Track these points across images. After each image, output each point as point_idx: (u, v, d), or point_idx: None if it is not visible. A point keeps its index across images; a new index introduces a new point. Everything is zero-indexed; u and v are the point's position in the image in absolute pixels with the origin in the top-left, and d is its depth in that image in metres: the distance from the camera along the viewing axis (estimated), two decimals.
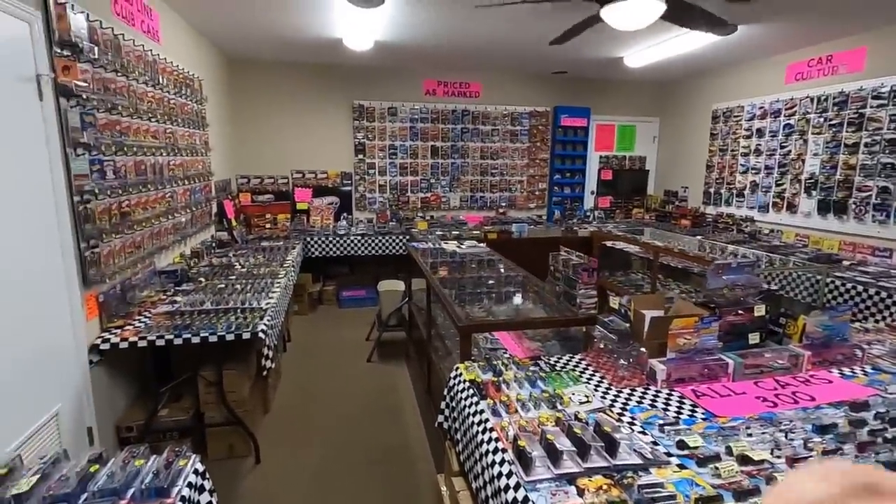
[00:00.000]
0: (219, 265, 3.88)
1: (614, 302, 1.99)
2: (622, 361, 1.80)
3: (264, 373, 2.65)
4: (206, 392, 2.72)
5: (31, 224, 1.99)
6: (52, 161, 2.12)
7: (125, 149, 2.74)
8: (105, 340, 2.39)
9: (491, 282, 3.11)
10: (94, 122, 2.43)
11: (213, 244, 4.52)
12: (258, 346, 2.60)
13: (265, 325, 2.61)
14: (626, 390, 1.76)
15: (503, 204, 6.63)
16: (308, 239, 5.32)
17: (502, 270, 3.27)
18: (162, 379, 2.78)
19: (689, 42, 4.46)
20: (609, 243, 4.75)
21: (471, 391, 1.72)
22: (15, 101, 1.92)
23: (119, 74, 2.75)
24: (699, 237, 5.00)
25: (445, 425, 1.92)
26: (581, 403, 1.63)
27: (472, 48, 5.00)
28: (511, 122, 6.46)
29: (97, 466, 1.32)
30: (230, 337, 2.51)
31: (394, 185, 6.25)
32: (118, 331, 2.50)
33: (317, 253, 5.37)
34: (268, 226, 5.69)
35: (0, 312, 1.81)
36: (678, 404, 1.67)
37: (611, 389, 1.77)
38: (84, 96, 2.30)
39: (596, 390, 1.76)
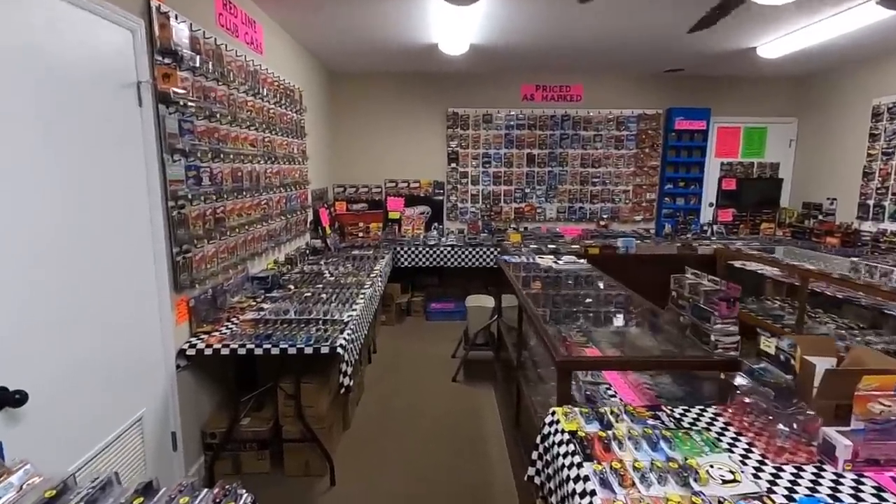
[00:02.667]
0: (309, 273, 3.88)
1: (767, 344, 1.52)
2: (781, 426, 1.34)
3: (342, 390, 2.50)
4: (284, 404, 2.63)
5: (125, 227, 2.01)
6: (149, 166, 2.14)
7: (222, 156, 2.78)
8: (192, 346, 2.39)
9: (592, 304, 2.70)
10: (193, 128, 2.46)
11: (307, 251, 4.59)
12: (337, 361, 2.46)
13: (345, 339, 2.46)
14: (789, 468, 1.29)
15: (605, 216, 6.08)
16: (398, 248, 5.24)
17: (606, 291, 2.84)
18: (245, 386, 2.76)
19: (844, 25, 3.68)
20: (737, 263, 4.05)
21: (571, 447, 1.37)
22: (116, 107, 1.95)
23: (220, 83, 2.80)
24: (854, 258, 4.08)
25: (537, 481, 1.58)
26: (725, 483, 1.21)
27: (574, 48, 4.61)
28: (616, 127, 5.91)
29: (141, 500, 1.19)
30: (309, 350, 2.39)
31: (486, 194, 6.01)
32: (206, 336, 2.49)
33: (406, 263, 5.27)
34: (360, 234, 5.73)
35: (92, 315, 1.82)
36: (874, 498, 1.18)
37: (765, 464, 1.32)
38: (182, 103, 2.33)
39: (744, 463, 1.32)
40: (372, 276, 3.83)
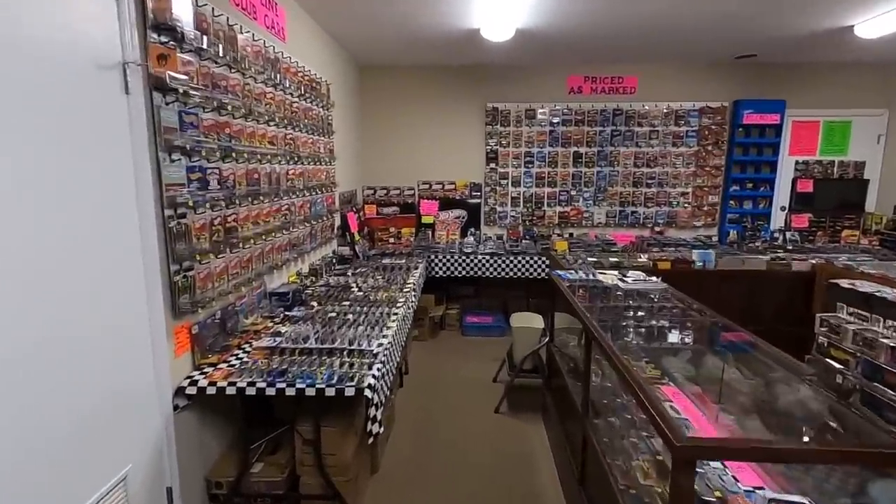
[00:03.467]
0: (335, 286, 3.47)
1: None
2: None
3: (370, 439, 2.06)
4: (302, 451, 2.21)
5: (105, 244, 1.62)
6: (139, 167, 1.75)
7: (234, 155, 2.38)
8: (193, 382, 1.99)
9: (692, 342, 2.17)
10: (197, 122, 2.06)
11: (334, 260, 4.19)
12: (365, 402, 2.02)
13: (374, 376, 2.02)
14: None
15: (660, 221, 5.47)
16: (432, 256, 4.79)
17: (701, 321, 2.31)
18: (259, 424, 2.35)
19: None
20: (844, 282, 3.38)
21: None
22: (92, 94, 1.56)
23: (233, 70, 2.41)
24: None
25: None
26: None
27: (629, 34, 4.06)
28: (674, 122, 5.30)
29: None
30: (330, 392, 1.95)
31: (528, 197, 5.49)
32: (210, 370, 2.09)
33: (440, 272, 4.82)
34: (391, 240, 5.30)
35: (60, 356, 1.42)
36: None
37: None
38: (183, 91, 1.93)
39: None
40: (405, 290, 3.39)
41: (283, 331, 2.50)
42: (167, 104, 1.88)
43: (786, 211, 5.44)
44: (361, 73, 5.34)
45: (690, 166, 5.37)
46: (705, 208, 5.44)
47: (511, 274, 4.80)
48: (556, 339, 3.21)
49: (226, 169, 2.33)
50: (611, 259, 3.82)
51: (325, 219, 3.91)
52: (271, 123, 2.86)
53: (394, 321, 2.69)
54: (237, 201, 2.43)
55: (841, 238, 5.29)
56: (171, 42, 1.90)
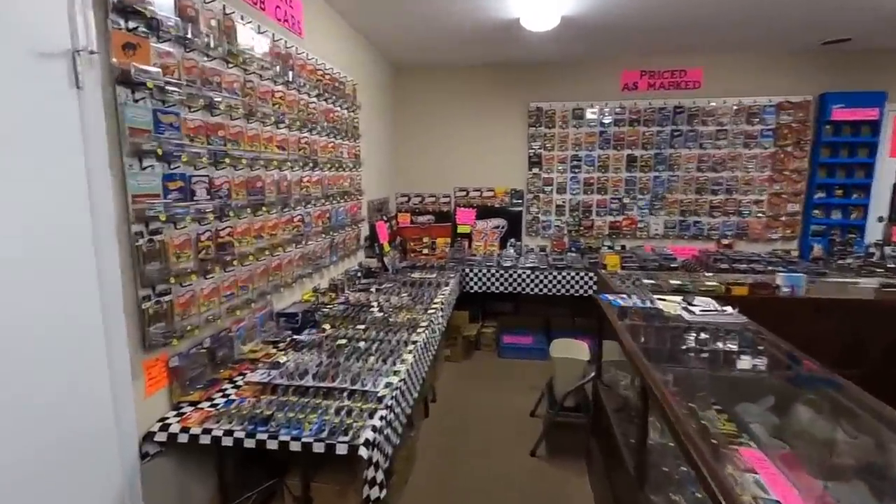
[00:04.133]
0: (355, 304, 3.15)
1: None
2: None
3: None
4: None
5: (47, 267, 1.34)
6: (94, 175, 1.47)
7: (229, 160, 2.10)
8: (165, 427, 1.70)
9: (776, 388, 1.66)
10: (178, 123, 1.78)
11: (359, 273, 3.89)
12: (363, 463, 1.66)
13: (374, 428, 1.65)
14: None
15: (728, 232, 4.81)
16: (467, 270, 4.40)
17: (791, 368, 1.78)
18: (251, 468, 2.04)
19: None
20: None
21: None
22: (29, 87, 1.29)
23: (230, 65, 2.13)
24: None
25: None
26: None
27: (694, 19, 3.51)
28: (746, 120, 4.64)
29: None
30: (319, 447, 1.60)
31: (575, 205, 4.99)
32: (190, 409, 1.80)
33: (476, 287, 4.41)
34: (425, 251, 4.96)
35: None
36: None
37: None
38: (156, 86, 1.65)
39: None
40: (430, 311, 3.01)
41: (283, 360, 2.19)
42: (135, 101, 1.61)
43: (884, 222, 4.64)
44: (394, 72, 5.04)
45: (765, 170, 4.69)
46: (783, 218, 4.73)
47: (554, 291, 4.32)
48: (603, 373, 2.73)
49: (219, 177, 2.05)
50: (672, 281, 3.24)
51: (349, 229, 3.61)
52: (281, 126, 2.57)
53: (410, 352, 2.32)
54: (233, 213, 2.14)
55: None
56: (143, 29, 1.63)
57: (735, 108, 4.64)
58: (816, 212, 4.64)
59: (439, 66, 5.01)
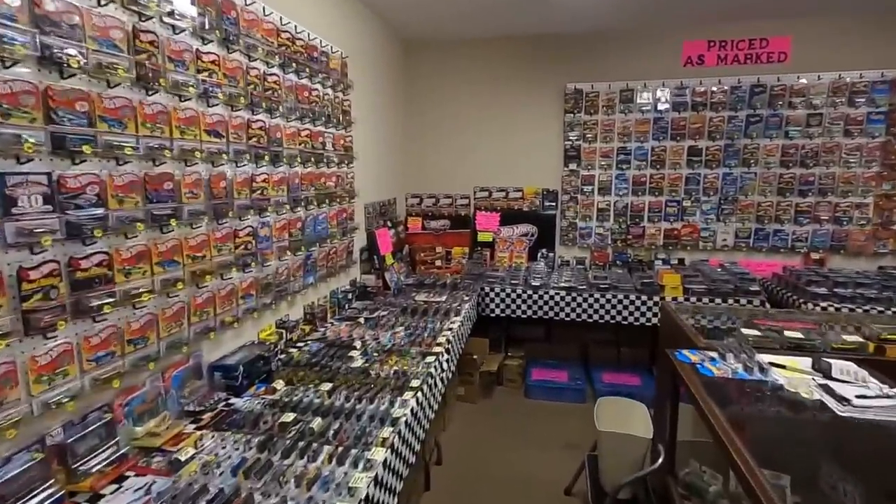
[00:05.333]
0: (332, 342, 2.38)
1: None
2: None
3: None
4: None
5: None
6: None
7: (101, 149, 1.35)
8: None
9: None
10: None
11: (353, 294, 3.12)
12: None
13: None
14: None
15: (819, 244, 3.80)
16: (487, 289, 3.57)
17: None
18: None
19: None
20: None
21: None
22: None
23: (103, 2, 1.38)
24: None
25: None
26: None
27: None
28: (848, 102, 3.63)
29: None
30: None
31: (621, 209, 4.08)
32: None
33: (497, 311, 3.58)
34: (438, 263, 4.15)
35: None
36: None
37: None
38: None
39: None
40: (429, 356, 2.21)
41: (184, 457, 1.43)
42: None
43: None
44: (402, 48, 4.25)
45: (873, 165, 3.66)
46: (895, 227, 3.69)
47: (596, 317, 3.45)
48: (678, 465, 1.86)
49: (75, 174, 1.30)
50: (789, 334, 2.17)
51: (336, 241, 2.85)
52: (213, 102, 1.82)
53: (386, 442, 1.52)
54: (110, 230, 1.39)
55: None
56: None
57: (832, 85, 3.63)
58: None
59: (457, 40, 4.19)
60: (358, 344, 2.35)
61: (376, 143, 3.69)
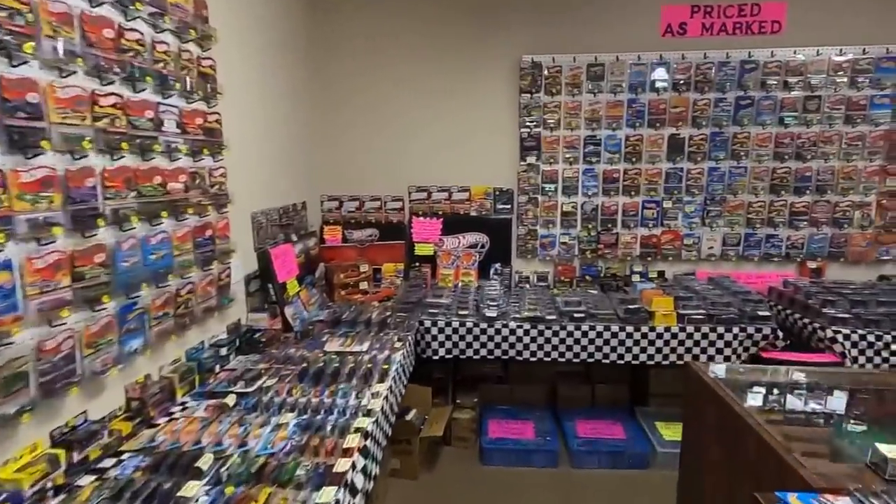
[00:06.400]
0: (164, 459, 1.38)
1: None
2: None
3: None
4: None
5: None
6: None
7: None
8: None
9: None
10: None
11: (232, 346, 2.12)
12: None
13: None
14: None
15: (816, 251, 3.23)
16: (427, 323, 2.68)
17: None
18: None
19: None
20: None
21: None
22: None
23: None
24: None
25: None
26: None
27: None
28: (849, 83, 3.06)
29: None
30: None
31: (590, 211, 3.32)
32: None
33: (441, 351, 2.70)
34: (363, 285, 3.19)
35: None
36: None
37: None
38: None
39: None
40: (328, 490, 1.27)
41: None
42: None
43: None
44: (310, 7, 3.24)
45: (876, 158, 3.12)
46: None
47: (570, 355, 2.66)
48: None
49: None
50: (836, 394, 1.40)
51: (189, 274, 1.83)
52: None
53: None
54: None
55: None
56: None
57: (834, 62, 3.05)
58: None
59: (384, 1, 3.24)
60: (206, 461, 1.37)
61: (268, 128, 2.68)
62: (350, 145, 3.42)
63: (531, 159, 3.29)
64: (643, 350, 2.61)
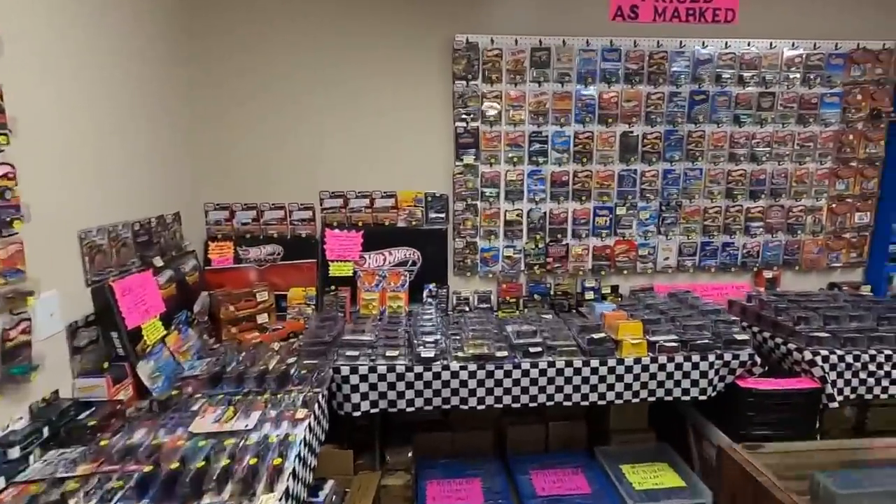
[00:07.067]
0: None
1: None
2: None
3: None
4: None
5: None
6: None
7: None
8: None
9: None
10: None
11: (37, 438, 1.37)
12: None
13: None
14: None
15: (771, 259, 3.01)
16: (345, 371, 2.05)
17: None
18: None
19: None
20: None
21: None
22: None
23: None
24: None
25: None
26: None
27: None
28: (803, 79, 2.86)
29: None
30: None
31: (538, 220, 2.86)
32: None
33: (364, 406, 2.09)
34: (262, 319, 2.49)
35: None
36: None
37: None
38: None
39: None
40: None
41: None
42: None
43: None
44: None
45: (826, 160, 2.96)
46: (848, 235, 3.04)
47: (526, 399, 2.16)
48: None
49: None
50: None
51: None
52: None
53: None
54: None
55: None
56: None
57: (788, 58, 2.83)
58: None
59: None
60: None
61: (113, 117, 1.92)
62: (245, 141, 2.70)
63: (468, 159, 2.77)
64: (610, 387, 2.18)
